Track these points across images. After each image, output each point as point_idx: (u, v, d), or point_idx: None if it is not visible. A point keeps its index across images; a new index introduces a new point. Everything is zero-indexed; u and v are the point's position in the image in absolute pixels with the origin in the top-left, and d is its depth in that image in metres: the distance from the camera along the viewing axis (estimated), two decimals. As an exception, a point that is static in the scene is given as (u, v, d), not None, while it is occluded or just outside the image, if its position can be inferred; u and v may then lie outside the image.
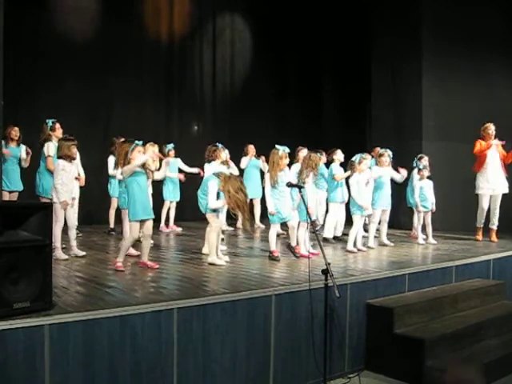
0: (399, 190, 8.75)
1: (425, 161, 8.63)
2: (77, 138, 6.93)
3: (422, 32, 10.30)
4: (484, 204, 8.58)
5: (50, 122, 7.45)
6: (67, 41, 9.44)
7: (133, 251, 6.60)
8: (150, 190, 8.08)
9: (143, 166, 5.77)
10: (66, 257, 6.32)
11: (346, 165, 7.86)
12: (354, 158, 7.57)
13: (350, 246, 7.39)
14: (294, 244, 6.87)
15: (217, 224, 6.33)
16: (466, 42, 9.82)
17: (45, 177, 7.20)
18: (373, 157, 8.55)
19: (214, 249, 6.26)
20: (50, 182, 6.93)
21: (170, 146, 9.17)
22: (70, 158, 6.42)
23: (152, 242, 7.92)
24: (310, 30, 12.04)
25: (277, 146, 6.65)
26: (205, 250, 6.81)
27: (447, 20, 10.01)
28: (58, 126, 7.45)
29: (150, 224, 5.88)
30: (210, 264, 6.17)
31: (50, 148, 7.16)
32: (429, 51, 10.25)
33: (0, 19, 5.73)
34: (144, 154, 5.82)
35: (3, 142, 7.55)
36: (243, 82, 12.12)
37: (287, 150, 6.66)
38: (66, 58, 9.43)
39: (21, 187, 7.87)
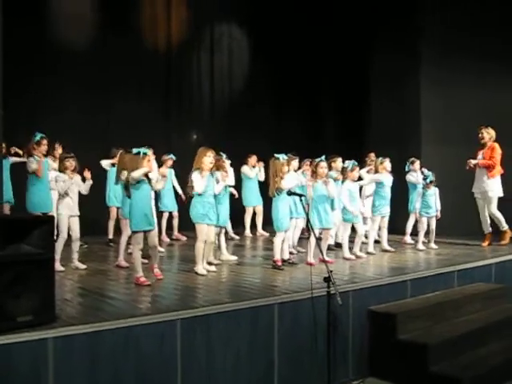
0: (399, 196, 8.74)
1: (417, 165, 8.65)
2: (76, 149, 6.93)
3: (420, 37, 10.37)
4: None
5: (38, 136, 7.23)
6: (63, 48, 9.39)
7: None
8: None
9: (146, 176, 5.75)
10: (63, 269, 6.30)
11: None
12: (345, 165, 7.58)
13: (346, 254, 7.39)
14: (286, 257, 6.87)
15: (202, 236, 6.23)
16: (465, 44, 9.80)
17: (31, 191, 7.07)
18: (365, 162, 8.60)
19: (199, 258, 6.22)
20: (36, 197, 6.96)
21: (170, 155, 9.19)
22: (69, 172, 6.47)
23: (163, 250, 8.00)
24: (308, 39, 12.05)
25: (276, 155, 6.67)
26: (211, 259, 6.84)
27: (447, 22, 10.06)
28: (44, 142, 7.22)
29: (153, 235, 5.86)
30: (196, 273, 6.16)
31: (32, 163, 7.04)
32: (428, 55, 10.30)
33: None
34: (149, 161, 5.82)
35: None
36: (241, 91, 12.10)
37: (285, 157, 6.69)
38: (62, 66, 9.42)
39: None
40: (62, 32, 9.42)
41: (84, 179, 6.68)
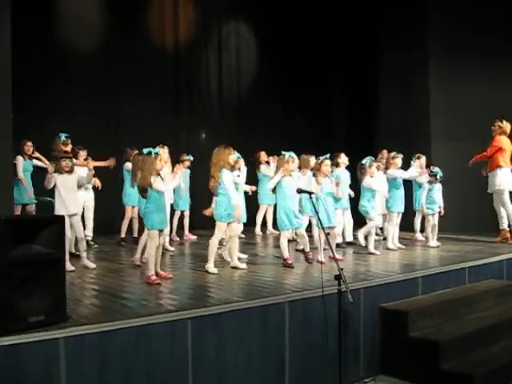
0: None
1: (423, 160, 8.60)
2: (89, 149, 6.99)
3: (428, 30, 10.36)
4: None
5: (63, 136, 7.53)
6: (71, 51, 9.40)
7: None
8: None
9: (159, 174, 5.74)
10: (73, 268, 6.29)
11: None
12: (364, 161, 7.59)
13: (371, 248, 7.51)
14: (307, 250, 6.87)
15: (220, 234, 6.33)
16: (467, 42, 9.81)
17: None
18: (375, 158, 8.56)
19: (211, 255, 6.26)
20: None
21: (189, 156, 9.23)
22: (64, 172, 6.43)
23: (173, 249, 8.05)
24: (317, 38, 12.01)
25: (283, 152, 6.66)
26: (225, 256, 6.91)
27: (448, 21, 10.04)
28: (69, 141, 7.55)
29: (164, 234, 5.90)
30: (207, 272, 6.18)
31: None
32: (436, 50, 10.26)
33: (7, 33, 5.79)
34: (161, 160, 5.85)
35: (21, 158, 7.65)
36: (250, 89, 12.10)
37: (293, 155, 6.67)
38: (70, 68, 9.45)
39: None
40: (70, 34, 9.42)
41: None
